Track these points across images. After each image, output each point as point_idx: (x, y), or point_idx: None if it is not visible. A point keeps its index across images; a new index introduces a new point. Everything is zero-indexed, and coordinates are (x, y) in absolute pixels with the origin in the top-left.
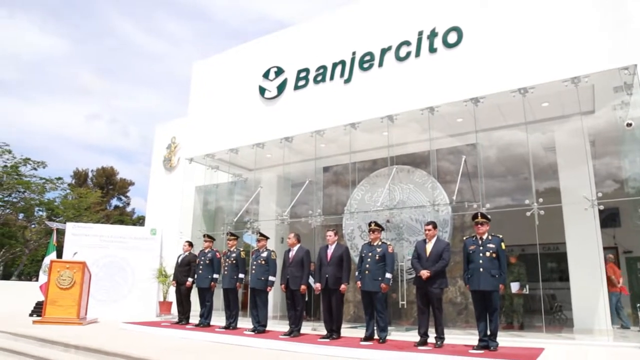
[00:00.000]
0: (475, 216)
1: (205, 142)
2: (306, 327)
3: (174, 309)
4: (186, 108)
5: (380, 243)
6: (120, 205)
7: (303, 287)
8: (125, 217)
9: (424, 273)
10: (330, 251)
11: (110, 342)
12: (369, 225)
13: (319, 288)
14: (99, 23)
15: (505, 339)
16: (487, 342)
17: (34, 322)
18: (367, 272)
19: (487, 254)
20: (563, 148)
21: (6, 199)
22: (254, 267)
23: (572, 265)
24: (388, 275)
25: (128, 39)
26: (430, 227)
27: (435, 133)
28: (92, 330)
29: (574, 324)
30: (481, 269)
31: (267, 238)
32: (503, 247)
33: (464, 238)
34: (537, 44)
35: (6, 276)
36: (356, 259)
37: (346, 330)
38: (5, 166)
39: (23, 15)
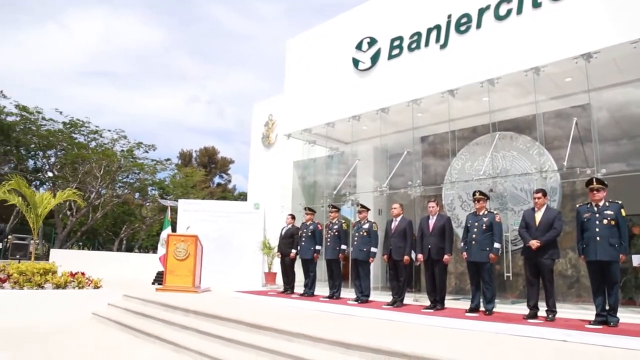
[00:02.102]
0: (589, 182)
1: (301, 117)
2: (407, 298)
3: (279, 279)
4: (280, 85)
5: (486, 212)
6: (222, 182)
7: (406, 257)
8: (228, 194)
9: (534, 243)
10: (432, 222)
11: (225, 309)
12: (474, 194)
13: (421, 259)
14: (192, 10)
15: (626, 315)
16: (605, 317)
17: (157, 289)
18: (473, 242)
19: (605, 221)
20: None
21: (124, 180)
22: (355, 238)
23: None
24: (497, 245)
25: (220, 23)
26: (539, 194)
27: (541, 95)
28: (207, 298)
29: None
30: (598, 238)
31: (368, 209)
32: (623, 214)
33: (577, 205)
34: None
35: (128, 249)
36: (457, 230)
37: (449, 302)
38: (122, 150)
39: (128, 11)
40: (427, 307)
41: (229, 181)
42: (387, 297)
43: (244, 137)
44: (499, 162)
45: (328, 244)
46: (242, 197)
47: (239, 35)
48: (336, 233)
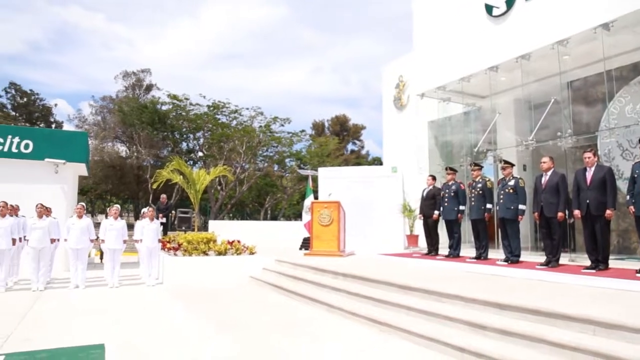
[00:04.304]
0: None
1: (434, 75)
2: (562, 258)
3: (421, 241)
4: (405, 45)
5: None
6: (356, 149)
7: (560, 214)
8: (362, 160)
9: None
10: (589, 174)
11: (372, 271)
12: None
13: (579, 215)
14: None
15: None
16: None
17: (305, 254)
18: None
19: None
20: None
21: (264, 154)
22: (501, 196)
23: None
24: None
25: None
26: None
27: None
28: (353, 261)
29: None
30: None
31: (512, 165)
32: None
33: None
34: None
35: (273, 218)
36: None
37: (612, 262)
38: (261, 126)
39: None
40: (587, 268)
41: (362, 147)
42: (539, 258)
43: (371, 101)
44: None
45: (472, 203)
46: (376, 162)
47: (358, 1)
48: (480, 192)
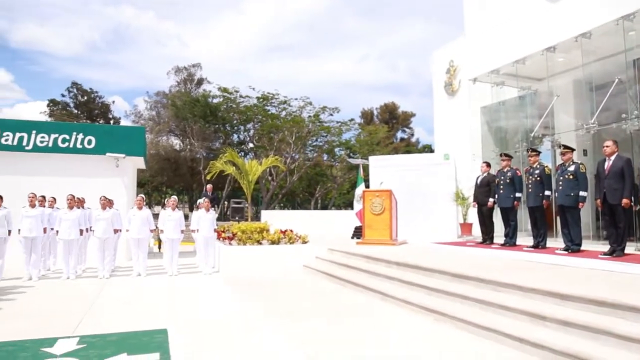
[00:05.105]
0: None
1: (487, 58)
2: (628, 247)
3: (475, 229)
4: (453, 30)
5: None
6: (405, 137)
7: (626, 200)
8: (411, 148)
9: None
10: None
11: (425, 260)
12: None
13: None
14: None
15: None
16: None
17: (357, 243)
18: None
19: None
20: None
21: (314, 143)
22: (560, 182)
23: None
24: None
25: None
26: None
27: None
28: (406, 250)
29: None
30: None
31: (572, 150)
32: None
33: None
34: None
35: (323, 207)
36: None
37: None
38: (310, 116)
39: None
40: None
41: (412, 135)
42: (601, 247)
43: (420, 88)
44: None
45: (530, 190)
46: (426, 149)
47: None
48: (538, 178)
